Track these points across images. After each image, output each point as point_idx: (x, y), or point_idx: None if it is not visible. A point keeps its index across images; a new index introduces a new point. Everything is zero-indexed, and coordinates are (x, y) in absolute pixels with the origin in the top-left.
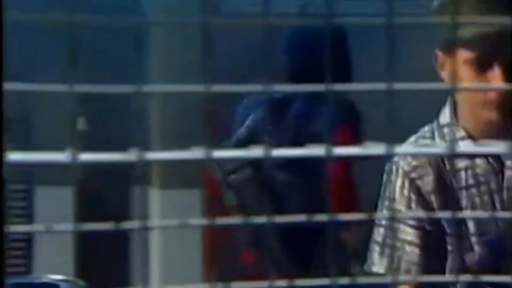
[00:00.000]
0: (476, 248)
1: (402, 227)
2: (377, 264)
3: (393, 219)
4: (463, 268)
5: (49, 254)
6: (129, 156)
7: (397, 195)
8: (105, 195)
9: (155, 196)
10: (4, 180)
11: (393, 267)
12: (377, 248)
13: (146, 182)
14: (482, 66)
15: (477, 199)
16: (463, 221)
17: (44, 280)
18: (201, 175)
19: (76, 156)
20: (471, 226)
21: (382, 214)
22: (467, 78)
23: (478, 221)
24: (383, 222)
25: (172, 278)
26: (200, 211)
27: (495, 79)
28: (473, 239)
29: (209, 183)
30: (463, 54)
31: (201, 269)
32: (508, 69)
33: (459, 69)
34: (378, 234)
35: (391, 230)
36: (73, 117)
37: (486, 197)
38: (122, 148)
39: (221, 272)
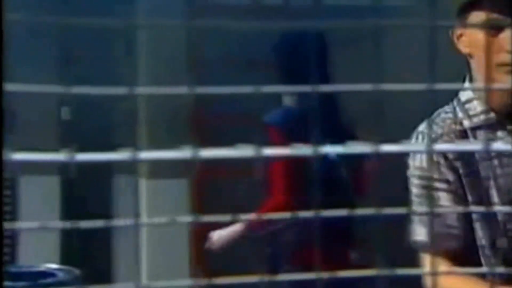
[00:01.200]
0: (498, 214)
1: (435, 194)
2: (419, 233)
3: (425, 187)
4: (490, 232)
5: (34, 244)
6: (124, 156)
7: (425, 162)
8: (91, 185)
9: (142, 186)
10: (3, 180)
11: (432, 234)
12: (416, 219)
13: (133, 172)
14: (494, 28)
15: (498, 170)
16: (486, 188)
17: (41, 269)
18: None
19: (73, 156)
20: (493, 194)
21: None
22: (481, 42)
23: (500, 191)
24: (416, 191)
25: (160, 271)
26: (187, 201)
27: (506, 43)
28: (499, 213)
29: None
30: (475, 18)
31: (188, 263)
32: None
33: (473, 36)
34: (415, 204)
35: (425, 198)
36: (57, 107)
37: (506, 169)
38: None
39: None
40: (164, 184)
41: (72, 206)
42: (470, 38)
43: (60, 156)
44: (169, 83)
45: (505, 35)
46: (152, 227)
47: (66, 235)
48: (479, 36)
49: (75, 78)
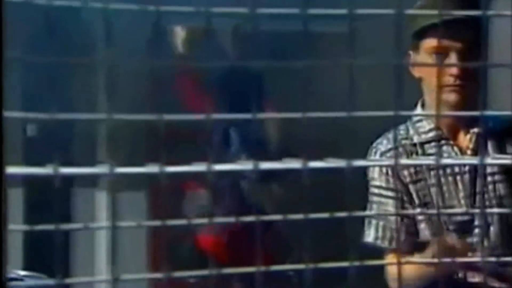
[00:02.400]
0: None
1: (384, 200)
2: (367, 235)
3: (376, 195)
4: (432, 231)
5: None
6: (101, 170)
7: (377, 173)
8: (52, 196)
9: (101, 199)
10: (4, 183)
11: (379, 236)
12: (367, 221)
13: (92, 185)
14: (441, 54)
15: (442, 179)
16: (430, 196)
17: (10, 275)
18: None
19: (58, 171)
20: (437, 200)
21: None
22: (430, 67)
23: (442, 196)
24: (370, 198)
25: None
26: (146, 213)
27: (452, 63)
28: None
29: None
30: (426, 45)
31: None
32: (463, 55)
33: (423, 60)
34: (368, 209)
35: (376, 204)
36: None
37: (450, 178)
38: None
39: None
40: (124, 197)
41: (35, 218)
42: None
43: (45, 170)
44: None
45: (451, 58)
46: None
47: (28, 242)
48: (429, 61)
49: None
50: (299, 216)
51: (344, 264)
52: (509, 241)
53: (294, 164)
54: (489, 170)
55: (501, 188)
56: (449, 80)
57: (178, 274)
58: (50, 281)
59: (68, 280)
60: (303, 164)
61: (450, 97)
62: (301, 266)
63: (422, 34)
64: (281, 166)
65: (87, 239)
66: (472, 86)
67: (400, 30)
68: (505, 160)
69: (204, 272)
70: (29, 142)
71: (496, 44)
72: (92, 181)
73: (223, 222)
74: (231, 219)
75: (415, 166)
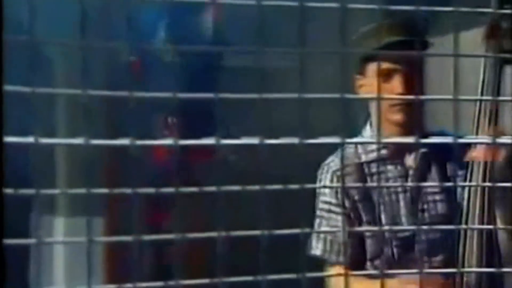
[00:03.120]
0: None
1: (333, 215)
2: (315, 248)
3: (326, 210)
4: (378, 246)
5: None
6: (77, 141)
7: (327, 189)
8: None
9: (58, 223)
10: (3, 183)
11: (326, 249)
12: (315, 235)
13: (50, 210)
14: (386, 76)
15: (386, 197)
16: (376, 212)
17: None
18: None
19: (38, 140)
20: (382, 217)
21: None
22: (375, 89)
23: (387, 213)
24: (319, 213)
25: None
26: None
27: (396, 87)
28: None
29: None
30: (371, 68)
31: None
32: (407, 76)
33: (369, 83)
34: (315, 223)
35: (326, 219)
36: None
37: (393, 196)
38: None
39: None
40: (80, 221)
41: None
42: (367, 87)
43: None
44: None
45: (395, 80)
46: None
47: None
48: (374, 83)
49: None
50: (256, 187)
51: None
52: (450, 256)
53: (252, 140)
54: (429, 189)
55: (440, 207)
56: (391, 101)
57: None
58: None
59: None
60: (260, 141)
61: (396, 116)
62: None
63: (367, 58)
64: (240, 142)
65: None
66: (417, 106)
67: (346, 60)
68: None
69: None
70: None
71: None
72: (50, 206)
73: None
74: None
75: (362, 183)
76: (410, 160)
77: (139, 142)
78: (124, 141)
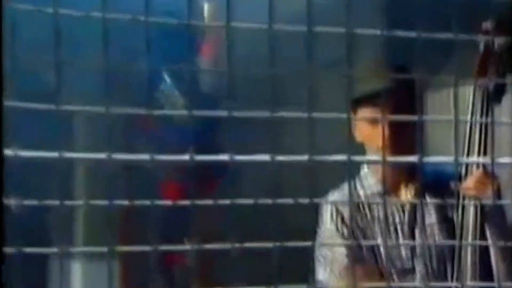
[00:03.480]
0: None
1: (334, 236)
2: (319, 273)
3: (327, 238)
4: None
5: None
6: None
7: (329, 221)
8: (27, 267)
9: (76, 269)
10: (3, 183)
11: (330, 276)
12: (317, 261)
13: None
14: (375, 121)
15: (385, 227)
16: (375, 246)
17: None
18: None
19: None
20: (381, 248)
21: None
22: (367, 132)
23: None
24: (320, 240)
25: None
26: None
27: (385, 130)
28: (383, 255)
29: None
30: (361, 113)
31: None
32: (396, 122)
33: (362, 128)
34: (319, 249)
35: (328, 246)
36: None
37: (391, 228)
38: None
39: None
40: (97, 266)
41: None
42: (360, 130)
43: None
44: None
45: (385, 126)
46: None
47: None
48: (366, 128)
49: None
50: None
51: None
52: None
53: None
54: (427, 221)
55: (438, 237)
56: (389, 142)
57: None
58: None
59: None
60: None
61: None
62: None
63: (357, 103)
64: (252, 159)
65: None
66: (408, 147)
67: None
68: None
69: None
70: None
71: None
72: (67, 253)
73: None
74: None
75: (362, 216)
76: (406, 194)
77: (158, 157)
78: (144, 156)
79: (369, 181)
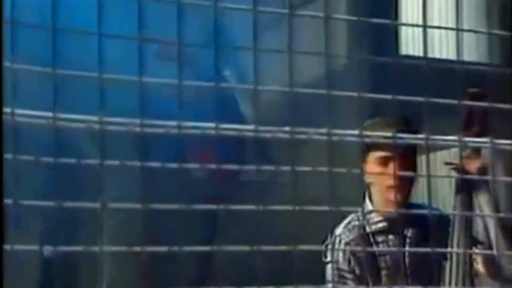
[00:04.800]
0: None
1: (346, 280)
2: None
3: (338, 276)
4: None
5: None
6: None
7: (340, 257)
8: None
9: None
10: (3, 182)
11: None
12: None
13: None
14: (383, 163)
15: (389, 262)
16: (381, 276)
17: None
18: None
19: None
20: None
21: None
22: (376, 172)
23: (390, 277)
24: (330, 278)
25: None
26: None
27: (392, 172)
28: None
29: None
30: (371, 157)
31: None
32: (402, 163)
33: (372, 166)
34: (329, 276)
35: (339, 283)
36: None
37: (395, 261)
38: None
39: None
40: None
41: None
42: (370, 171)
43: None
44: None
45: (390, 166)
46: None
47: None
48: (374, 169)
49: None
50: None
51: None
52: None
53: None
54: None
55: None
56: (389, 183)
57: None
58: None
59: None
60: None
61: (392, 196)
62: None
63: (368, 148)
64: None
65: None
66: (409, 187)
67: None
68: None
69: None
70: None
71: None
72: None
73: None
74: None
75: (368, 253)
76: (407, 231)
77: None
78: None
79: (373, 217)
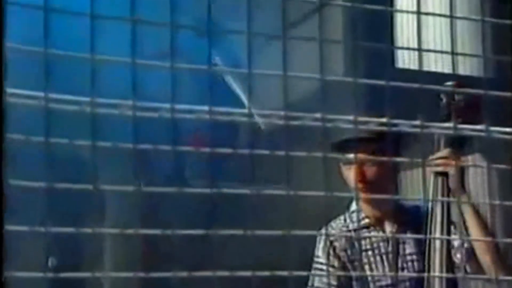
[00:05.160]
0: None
1: (324, 267)
2: None
3: (319, 269)
4: None
5: None
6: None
7: (321, 252)
8: None
9: None
10: (3, 183)
11: None
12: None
13: None
14: (350, 165)
15: (372, 258)
16: (363, 270)
17: None
18: None
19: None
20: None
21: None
22: (348, 176)
23: (372, 271)
24: (313, 271)
25: None
26: None
27: (357, 174)
28: (372, 286)
29: None
30: (342, 157)
31: None
32: (370, 164)
33: (344, 171)
34: (311, 277)
35: (318, 276)
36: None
37: (378, 258)
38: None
39: None
40: None
41: None
42: (344, 173)
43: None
44: None
45: (362, 167)
46: None
47: None
48: (346, 170)
49: None
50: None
51: None
52: None
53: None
54: (407, 251)
55: (416, 265)
56: (360, 183)
57: None
58: None
59: None
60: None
61: (364, 195)
62: None
63: (339, 148)
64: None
65: None
66: (382, 186)
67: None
68: None
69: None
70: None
71: None
72: None
73: None
74: None
75: (350, 248)
76: (389, 227)
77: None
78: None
79: (357, 215)
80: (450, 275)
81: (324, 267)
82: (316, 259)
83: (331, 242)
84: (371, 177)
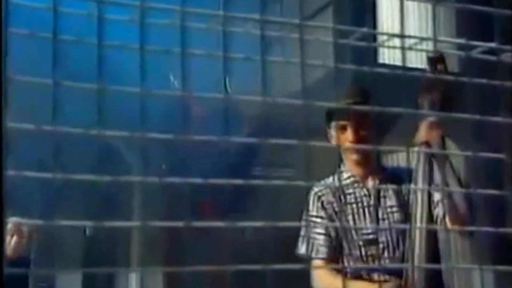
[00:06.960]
0: (355, 237)
1: (313, 224)
2: (300, 248)
3: (309, 220)
4: (351, 245)
5: None
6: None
7: (311, 206)
8: None
9: None
10: (3, 185)
11: (309, 249)
12: (300, 239)
13: None
14: (342, 129)
15: (355, 210)
16: (347, 221)
17: None
18: None
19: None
20: (352, 224)
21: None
22: (340, 139)
23: (355, 221)
24: (304, 222)
25: None
26: None
27: (349, 137)
28: (354, 235)
29: None
30: (332, 124)
31: None
32: (358, 128)
33: (337, 135)
34: (302, 229)
35: (310, 226)
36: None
37: (360, 210)
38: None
39: None
40: None
41: None
42: (334, 136)
43: None
44: None
45: (348, 132)
46: None
47: None
48: (338, 133)
49: None
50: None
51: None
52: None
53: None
54: (388, 203)
55: (396, 216)
56: (349, 145)
57: None
58: None
59: None
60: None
61: (353, 156)
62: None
63: (329, 116)
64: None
65: None
66: (367, 151)
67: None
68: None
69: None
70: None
71: None
72: None
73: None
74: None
75: (337, 201)
76: (372, 183)
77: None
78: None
79: (344, 174)
80: (430, 227)
81: (314, 218)
82: (306, 213)
83: (319, 197)
84: (362, 138)
